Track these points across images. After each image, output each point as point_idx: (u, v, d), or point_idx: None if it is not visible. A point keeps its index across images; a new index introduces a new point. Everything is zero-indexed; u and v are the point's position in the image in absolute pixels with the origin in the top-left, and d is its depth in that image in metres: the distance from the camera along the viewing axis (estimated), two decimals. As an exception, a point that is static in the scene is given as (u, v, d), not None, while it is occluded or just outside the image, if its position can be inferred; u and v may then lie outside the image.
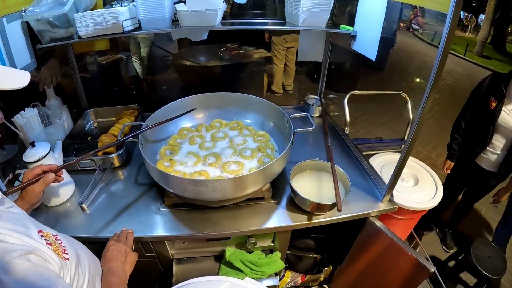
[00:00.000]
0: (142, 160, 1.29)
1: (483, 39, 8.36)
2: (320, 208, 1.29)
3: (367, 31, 1.60)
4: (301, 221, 1.33)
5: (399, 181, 1.95)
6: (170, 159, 1.45)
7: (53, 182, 1.10)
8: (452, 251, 2.73)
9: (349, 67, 5.00)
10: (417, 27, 8.61)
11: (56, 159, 1.36)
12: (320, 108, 2.03)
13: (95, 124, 2.02)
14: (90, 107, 2.02)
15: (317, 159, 1.49)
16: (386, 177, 1.42)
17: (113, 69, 2.40)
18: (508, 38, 8.25)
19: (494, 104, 2.00)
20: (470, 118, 2.20)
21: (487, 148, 2.15)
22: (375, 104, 4.97)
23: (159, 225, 1.30)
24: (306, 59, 2.03)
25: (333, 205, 1.26)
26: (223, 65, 2.64)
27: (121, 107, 2.01)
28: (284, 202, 1.42)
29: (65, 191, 1.41)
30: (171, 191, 1.26)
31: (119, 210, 1.36)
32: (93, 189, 1.42)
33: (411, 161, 2.22)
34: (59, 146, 1.47)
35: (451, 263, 2.49)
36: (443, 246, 2.81)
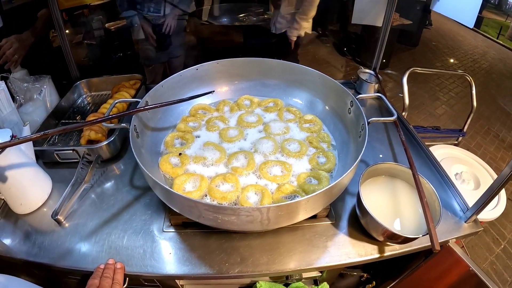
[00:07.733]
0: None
1: (516, 23, 7.65)
2: (397, 238, 0.85)
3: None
4: (370, 254, 0.91)
5: (458, 182, 1.53)
6: (180, 154, 1.02)
7: None
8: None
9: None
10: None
11: (21, 151, 0.97)
12: (376, 86, 1.56)
13: (89, 99, 1.59)
14: (82, 77, 1.59)
15: (381, 155, 1.23)
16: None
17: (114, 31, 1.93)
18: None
19: None
20: None
21: None
22: (419, 84, 4.32)
23: (161, 256, 0.88)
24: (361, 22, 1.56)
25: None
26: (248, 26, 2.16)
27: (121, 77, 1.58)
28: (344, 222, 0.98)
29: (38, 192, 1.02)
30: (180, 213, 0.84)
31: (106, 228, 0.95)
32: (73, 193, 1.02)
33: (469, 156, 1.86)
34: (26, 132, 1.07)
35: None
36: None
